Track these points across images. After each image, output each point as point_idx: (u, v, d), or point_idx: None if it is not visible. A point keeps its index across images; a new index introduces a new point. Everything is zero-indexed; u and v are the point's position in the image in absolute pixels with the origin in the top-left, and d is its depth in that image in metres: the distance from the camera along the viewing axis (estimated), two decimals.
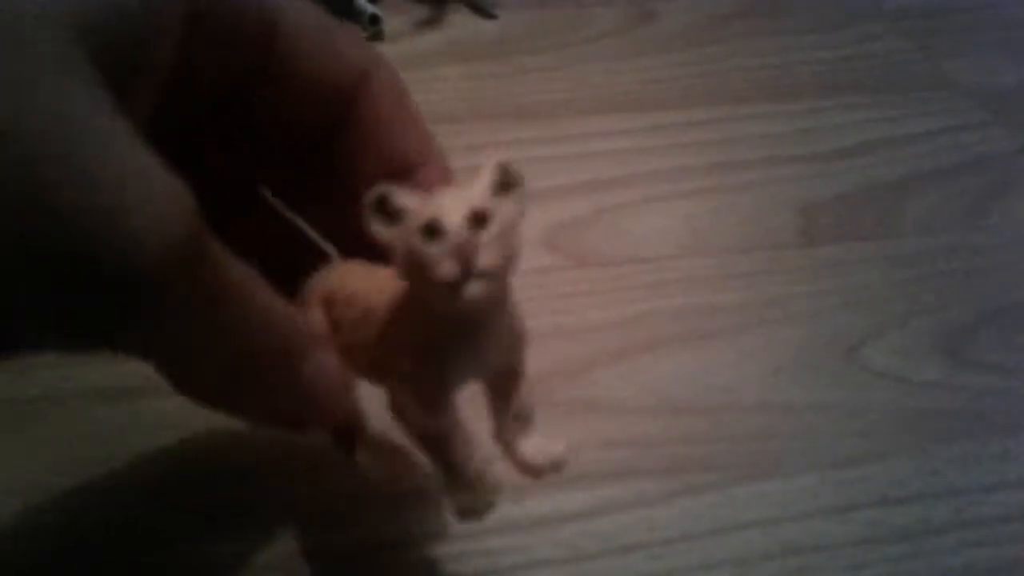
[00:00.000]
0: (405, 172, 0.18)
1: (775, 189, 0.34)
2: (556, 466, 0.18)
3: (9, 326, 0.13)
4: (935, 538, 0.23)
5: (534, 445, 0.18)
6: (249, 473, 0.24)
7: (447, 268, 0.14)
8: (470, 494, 0.18)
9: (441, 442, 0.17)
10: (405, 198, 0.15)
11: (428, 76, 0.39)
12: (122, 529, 0.22)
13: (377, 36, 0.42)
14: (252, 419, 0.18)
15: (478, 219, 0.15)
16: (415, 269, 0.15)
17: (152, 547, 0.22)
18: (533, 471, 0.18)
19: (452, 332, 0.16)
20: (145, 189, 0.13)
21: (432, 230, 0.14)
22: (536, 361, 0.22)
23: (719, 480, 0.24)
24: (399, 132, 0.18)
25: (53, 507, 0.23)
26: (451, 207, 0.15)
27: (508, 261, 0.15)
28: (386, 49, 0.41)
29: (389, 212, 0.15)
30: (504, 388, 0.18)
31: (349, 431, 0.19)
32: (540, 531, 0.23)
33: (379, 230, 0.15)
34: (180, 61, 0.15)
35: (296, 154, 0.20)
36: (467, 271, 0.14)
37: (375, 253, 0.16)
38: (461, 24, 0.43)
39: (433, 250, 0.14)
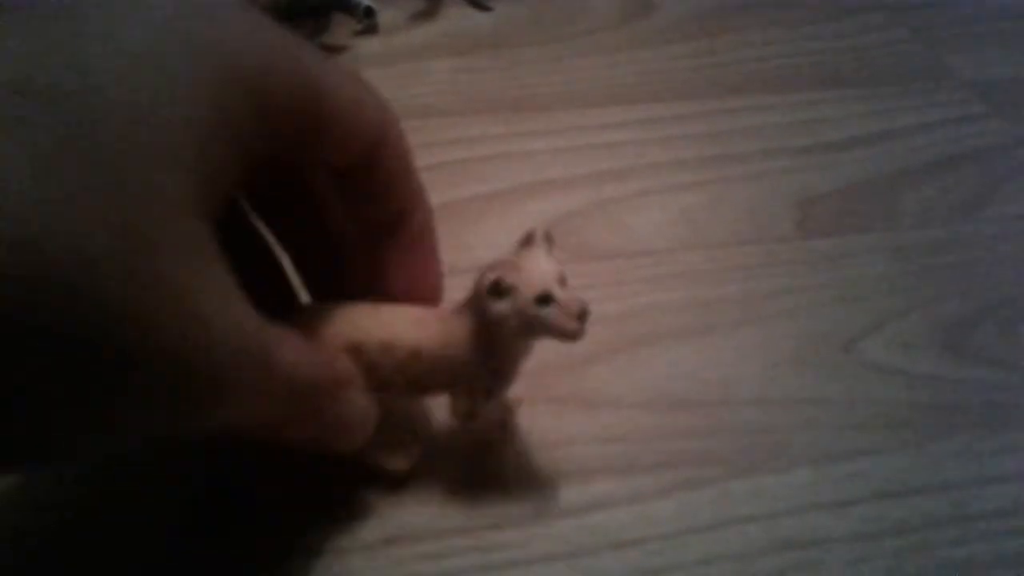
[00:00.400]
0: (401, 216, 0.22)
1: (773, 181, 0.33)
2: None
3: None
4: (934, 532, 0.23)
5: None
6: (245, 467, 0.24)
7: (576, 326, 0.20)
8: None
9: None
10: (510, 277, 0.20)
11: (423, 69, 0.39)
12: (117, 519, 0.22)
13: (371, 29, 0.41)
14: (288, 445, 0.20)
15: (562, 282, 0.20)
16: (530, 329, 0.20)
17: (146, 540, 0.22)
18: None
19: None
20: (245, 350, 0.16)
21: (546, 299, 0.20)
22: (533, 355, 0.22)
23: (717, 475, 0.24)
24: (401, 184, 0.21)
25: (51, 499, 0.23)
26: (550, 279, 0.20)
27: None
28: (380, 42, 0.41)
29: (499, 291, 0.20)
30: None
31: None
32: (536, 526, 0.22)
33: (494, 306, 0.20)
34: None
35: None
36: (584, 320, 0.20)
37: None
38: (456, 16, 0.42)
39: (551, 312, 0.20)
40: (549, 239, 0.21)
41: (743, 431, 0.25)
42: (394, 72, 0.39)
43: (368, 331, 0.21)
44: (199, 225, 0.15)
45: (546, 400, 0.26)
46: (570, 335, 0.20)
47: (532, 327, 0.20)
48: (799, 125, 0.36)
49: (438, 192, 0.33)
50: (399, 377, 0.21)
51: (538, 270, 0.20)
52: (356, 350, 0.21)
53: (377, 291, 0.22)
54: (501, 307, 0.20)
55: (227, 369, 0.16)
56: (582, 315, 0.20)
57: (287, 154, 0.19)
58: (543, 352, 0.27)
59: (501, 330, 0.20)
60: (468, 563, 0.22)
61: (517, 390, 0.23)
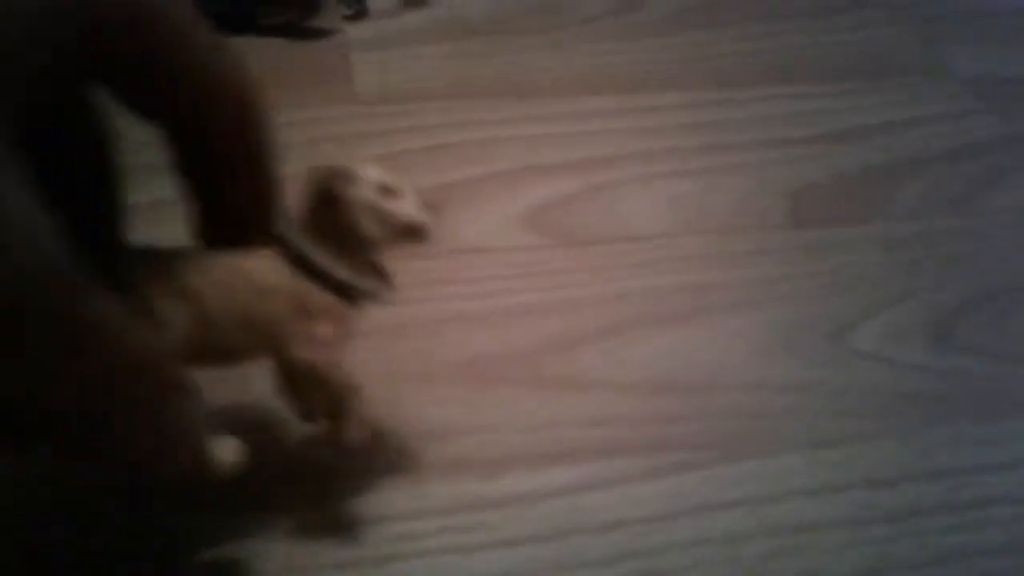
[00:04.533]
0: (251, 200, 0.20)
1: (766, 171, 0.33)
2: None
3: None
4: (923, 520, 0.22)
5: None
6: None
7: (422, 216, 0.19)
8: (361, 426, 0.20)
9: (352, 390, 0.20)
10: (355, 167, 0.19)
11: (413, 54, 0.39)
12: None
13: (361, 14, 0.41)
14: (110, 461, 0.18)
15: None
16: (378, 219, 0.19)
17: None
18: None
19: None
20: (15, 230, 0.13)
21: (388, 190, 0.19)
22: (522, 338, 0.21)
23: (704, 459, 0.23)
24: (253, 166, 0.19)
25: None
26: (389, 175, 0.19)
27: None
28: (371, 27, 0.41)
29: (342, 175, 0.19)
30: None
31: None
32: (522, 508, 0.22)
33: (340, 187, 0.19)
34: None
35: None
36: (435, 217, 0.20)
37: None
38: (448, 2, 0.42)
39: (394, 205, 0.19)
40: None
41: (731, 416, 0.25)
42: (386, 57, 0.39)
43: (164, 247, 0.19)
44: None
45: (532, 382, 0.25)
46: (418, 225, 0.19)
47: (380, 218, 0.19)
48: (793, 117, 0.36)
49: (430, 175, 0.33)
50: (225, 311, 0.18)
51: (375, 169, 0.19)
52: (169, 272, 0.18)
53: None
54: (346, 191, 0.19)
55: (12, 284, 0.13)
56: (434, 207, 0.19)
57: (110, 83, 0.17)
58: (531, 335, 0.27)
59: (346, 222, 0.19)
60: (449, 544, 0.21)
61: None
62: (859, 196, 0.32)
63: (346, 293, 0.19)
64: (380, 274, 0.20)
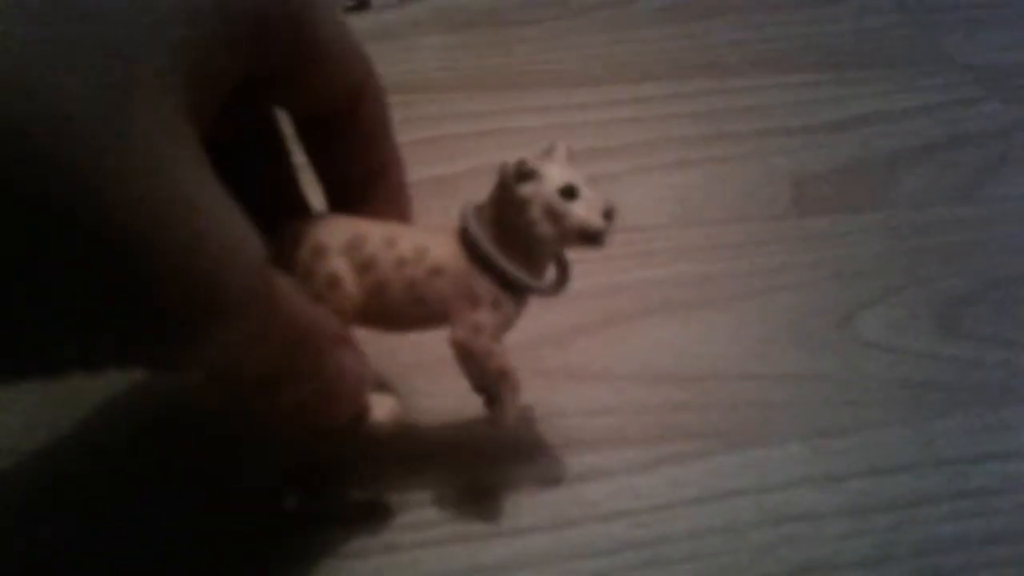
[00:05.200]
0: (374, 175, 0.21)
1: (768, 161, 0.33)
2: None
3: (98, 354, 0.14)
4: (926, 508, 0.22)
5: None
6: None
7: (599, 220, 0.19)
8: (513, 414, 0.20)
9: (505, 360, 0.20)
10: (537, 162, 0.19)
11: (415, 45, 0.39)
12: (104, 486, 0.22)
13: (363, 5, 0.41)
14: (279, 415, 0.18)
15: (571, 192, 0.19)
16: (553, 219, 0.19)
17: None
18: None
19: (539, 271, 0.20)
20: (238, 251, 0.14)
21: (570, 192, 0.19)
22: (523, 329, 0.21)
23: (706, 448, 0.23)
24: (380, 142, 0.20)
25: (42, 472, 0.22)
26: (574, 176, 0.19)
27: None
28: (373, 19, 0.40)
29: (524, 174, 0.19)
30: None
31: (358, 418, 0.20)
32: (523, 497, 0.22)
33: (520, 187, 0.19)
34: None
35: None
36: (610, 221, 0.19)
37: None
38: None
39: (574, 206, 0.19)
40: (571, 154, 0.20)
41: (734, 405, 0.24)
42: (387, 48, 0.38)
43: (372, 227, 0.20)
44: (187, 124, 0.14)
45: (534, 372, 0.25)
46: (594, 231, 0.19)
47: (556, 219, 0.19)
48: (796, 105, 0.36)
49: (430, 166, 0.33)
50: (397, 280, 0.19)
51: (562, 166, 0.19)
52: (357, 242, 0.19)
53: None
54: (526, 190, 0.19)
55: (223, 269, 0.14)
56: (608, 213, 0.19)
57: (270, 86, 0.18)
58: (531, 326, 0.26)
59: (523, 220, 0.19)
60: (451, 534, 0.21)
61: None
62: (862, 185, 0.32)
63: (511, 286, 0.19)
64: (560, 267, 0.21)
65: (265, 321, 0.16)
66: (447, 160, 0.33)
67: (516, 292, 0.20)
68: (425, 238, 0.20)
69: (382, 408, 0.19)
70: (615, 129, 0.34)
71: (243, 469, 0.23)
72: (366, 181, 0.21)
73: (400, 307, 0.19)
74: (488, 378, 0.20)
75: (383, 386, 0.21)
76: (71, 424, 0.23)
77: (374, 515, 0.22)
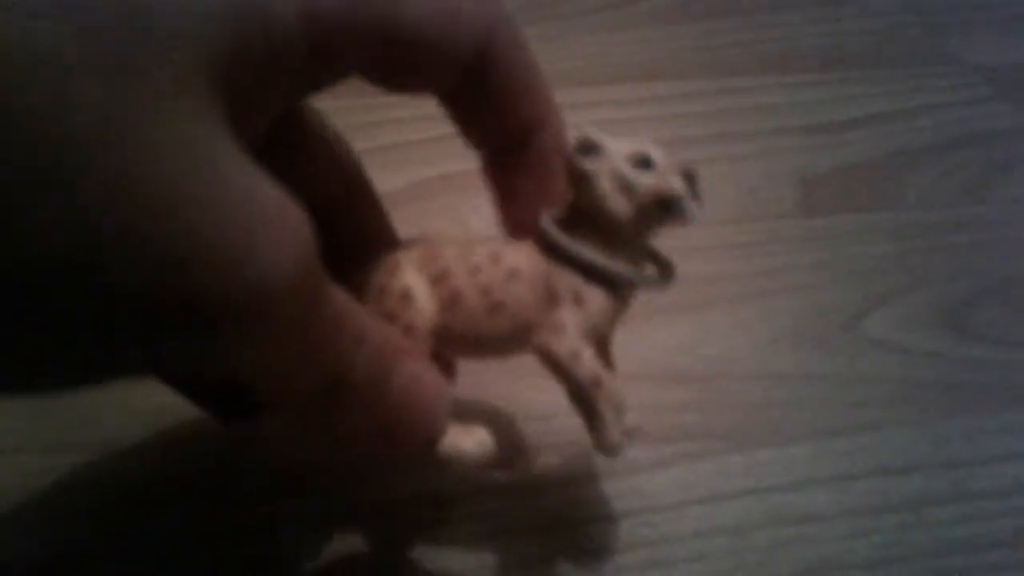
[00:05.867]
0: (524, 134, 0.18)
1: (775, 160, 0.33)
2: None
3: (125, 357, 0.13)
4: (934, 510, 0.22)
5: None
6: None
7: (678, 184, 0.17)
8: (616, 432, 0.18)
9: (595, 368, 0.17)
10: (600, 137, 0.17)
11: None
12: (111, 495, 0.22)
13: None
14: (343, 439, 0.17)
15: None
16: (626, 191, 0.17)
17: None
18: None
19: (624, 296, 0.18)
20: (274, 224, 0.13)
21: (643, 161, 0.17)
22: None
23: (713, 448, 0.23)
24: (521, 97, 0.18)
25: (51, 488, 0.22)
26: (643, 145, 0.17)
27: None
28: None
29: (587, 148, 0.17)
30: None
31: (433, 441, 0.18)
32: (528, 497, 0.22)
33: (585, 162, 0.17)
34: (300, 76, 0.15)
35: None
36: (692, 185, 0.17)
37: None
38: None
39: (648, 176, 0.17)
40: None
41: (741, 406, 0.24)
42: None
43: (450, 244, 0.18)
44: (227, 110, 0.13)
45: (538, 373, 0.25)
46: (670, 196, 0.17)
47: (628, 191, 0.17)
48: (802, 105, 0.36)
49: (434, 165, 0.33)
50: (471, 287, 0.17)
51: (627, 139, 0.17)
52: (431, 256, 0.18)
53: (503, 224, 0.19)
54: (590, 164, 0.17)
55: (257, 251, 0.12)
56: (689, 176, 0.17)
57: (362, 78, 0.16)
58: None
59: (593, 197, 0.17)
60: (453, 534, 0.21)
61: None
62: (869, 185, 0.32)
63: (598, 277, 0.17)
64: (655, 258, 0.19)
65: (313, 314, 0.14)
66: (450, 159, 0.33)
67: (604, 283, 0.17)
68: (500, 246, 0.18)
69: (468, 438, 0.17)
70: (618, 129, 0.33)
71: (242, 472, 0.23)
72: (515, 145, 0.18)
73: (478, 319, 0.17)
74: (580, 387, 0.17)
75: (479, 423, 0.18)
76: (74, 427, 0.23)
77: (375, 513, 0.22)
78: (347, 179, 0.20)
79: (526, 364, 0.18)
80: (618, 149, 0.17)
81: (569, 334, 0.17)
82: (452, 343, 0.18)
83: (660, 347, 0.26)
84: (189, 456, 0.23)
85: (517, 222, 0.19)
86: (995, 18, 0.41)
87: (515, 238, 0.19)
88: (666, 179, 0.17)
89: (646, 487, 0.22)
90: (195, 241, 0.12)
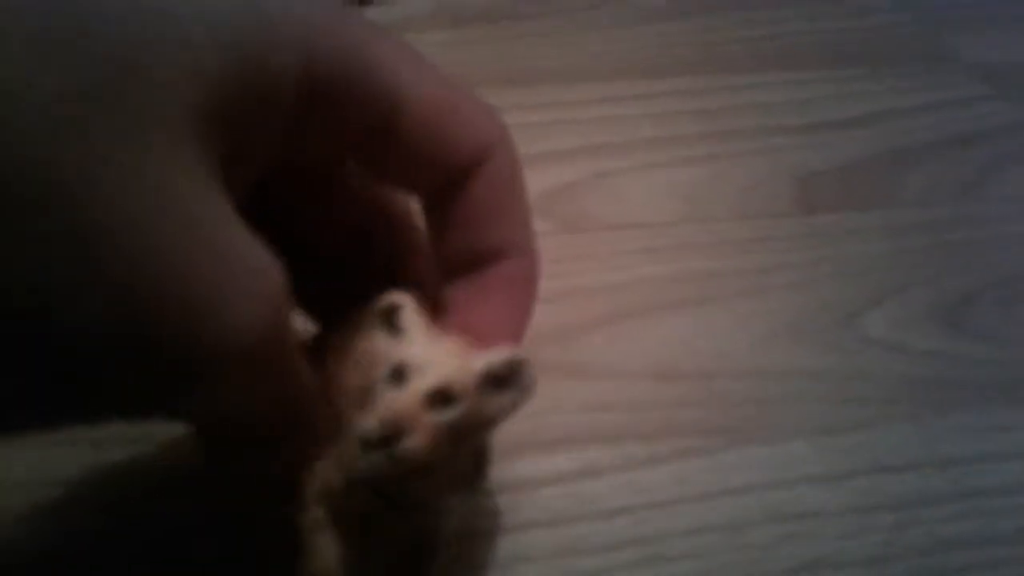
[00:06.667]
0: (489, 257, 0.17)
1: (773, 158, 0.33)
2: None
3: (88, 402, 0.13)
4: (931, 508, 0.22)
5: None
6: None
7: (367, 423, 0.14)
8: None
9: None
10: (413, 321, 0.15)
11: (418, 40, 0.38)
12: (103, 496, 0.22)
13: (364, 2, 0.41)
14: (276, 470, 0.17)
15: (443, 398, 0.14)
16: (365, 394, 0.14)
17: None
18: None
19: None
20: (248, 283, 0.13)
21: (398, 375, 0.14)
22: None
23: (709, 445, 0.23)
24: (495, 223, 0.17)
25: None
26: (431, 367, 0.14)
27: (452, 454, 0.14)
28: (374, 13, 0.40)
29: (394, 324, 0.15)
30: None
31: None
32: (523, 493, 0.22)
33: (375, 336, 0.15)
34: (289, 137, 0.15)
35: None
36: (383, 441, 0.14)
37: None
38: None
39: (387, 391, 0.14)
40: (518, 373, 0.15)
41: (737, 403, 0.24)
42: None
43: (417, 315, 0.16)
44: (209, 160, 0.13)
45: (537, 369, 0.25)
46: (357, 429, 0.14)
47: (364, 392, 0.15)
48: (800, 103, 0.35)
49: None
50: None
51: (433, 350, 0.15)
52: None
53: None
54: (378, 342, 0.15)
55: (228, 301, 0.12)
56: (387, 427, 0.14)
57: (354, 169, 0.17)
58: (534, 322, 0.26)
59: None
60: (453, 528, 0.21)
61: None
62: (866, 183, 0.32)
63: None
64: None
65: (272, 369, 0.14)
66: None
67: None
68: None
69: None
70: (618, 126, 0.34)
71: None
72: (476, 261, 0.17)
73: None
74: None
75: None
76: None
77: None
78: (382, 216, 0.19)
79: None
80: (404, 344, 0.15)
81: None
82: None
83: (655, 343, 0.26)
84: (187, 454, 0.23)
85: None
86: (993, 17, 0.40)
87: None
88: (373, 416, 0.14)
89: (640, 483, 0.22)
90: (161, 293, 0.12)
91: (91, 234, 0.11)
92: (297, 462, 0.17)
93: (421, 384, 0.14)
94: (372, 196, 0.19)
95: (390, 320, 0.15)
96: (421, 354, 0.14)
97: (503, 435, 0.23)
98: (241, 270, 0.13)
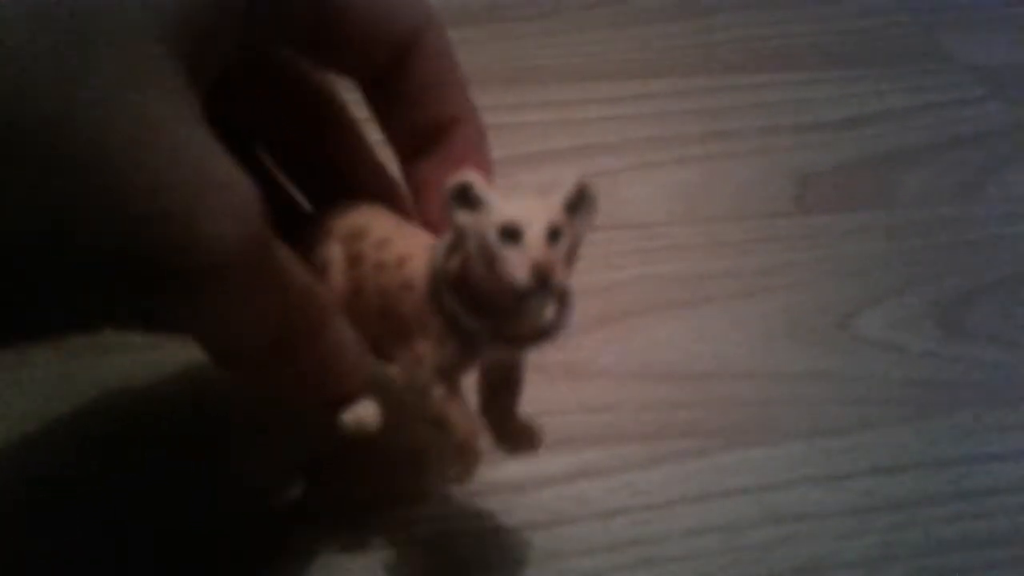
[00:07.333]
0: (440, 130, 0.18)
1: (770, 158, 0.33)
2: (535, 441, 0.19)
3: (77, 312, 0.14)
4: (929, 509, 0.22)
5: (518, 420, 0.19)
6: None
7: (524, 277, 0.15)
8: (458, 460, 0.18)
9: (441, 407, 0.17)
10: (487, 191, 0.16)
11: None
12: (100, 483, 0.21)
13: None
14: (282, 390, 0.18)
15: (553, 234, 0.15)
16: (486, 261, 0.15)
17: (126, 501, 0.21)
18: (514, 447, 0.19)
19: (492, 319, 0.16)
20: (220, 195, 0.14)
21: (511, 232, 0.15)
22: None
23: (706, 446, 0.23)
24: (440, 95, 0.18)
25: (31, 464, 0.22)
26: (532, 215, 0.15)
27: (569, 276, 0.16)
28: None
29: (469, 199, 0.16)
30: (506, 377, 0.18)
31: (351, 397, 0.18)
32: (520, 494, 0.22)
33: (457, 214, 0.16)
34: (243, 35, 0.16)
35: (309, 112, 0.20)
36: (543, 284, 0.15)
37: None
38: None
39: (510, 253, 0.15)
40: (584, 195, 0.16)
41: (735, 404, 0.24)
42: None
43: (381, 222, 0.18)
44: (181, 77, 0.14)
45: (532, 369, 0.25)
46: (510, 284, 0.15)
47: (488, 262, 0.15)
48: (797, 104, 0.35)
49: None
50: (372, 283, 0.18)
51: (522, 202, 0.15)
52: (357, 234, 0.18)
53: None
54: (462, 218, 0.16)
55: (207, 216, 0.13)
56: (542, 272, 0.15)
57: (297, 56, 0.17)
58: None
59: (464, 252, 0.16)
60: (448, 531, 0.21)
61: None
62: (864, 183, 0.32)
63: (457, 329, 0.17)
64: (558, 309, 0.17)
65: (260, 281, 0.15)
66: None
67: (461, 335, 0.16)
68: (415, 246, 0.18)
69: (365, 409, 0.18)
70: (616, 126, 0.34)
71: (240, 468, 0.22)
72: (429, 138, 0.19)
73: (371, 315, 0.18)
74: (429, 420, 0.17)
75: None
76: (59, 421, 0.23)
77: (371, 511, 0.21)
78: (319, 109, 0.20)
79: None
80: (496, 208, 0.15)
81: (425, 368, 0.17)
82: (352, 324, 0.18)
83: (652, 345, 0.26)
84: (177, 447, 0.22)
85: (430, 218, 0.19)
86: (989, 18, 0.41)
87: (430, 232, 0.19)
88: (518, 265, 0.15)
89: (638, 484, 0.22)
90: (142, 206, 0.13)
91: (78, 160, 0.12)
92: (318, 373, 0.17)
93: (537, 229, 0.15)
94: (315, 87, 0.20)
95: (466, 197, 0.16)
96: (518, 209, 0.15)
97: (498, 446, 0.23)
98: (215, 184, 0.14)
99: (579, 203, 0.16)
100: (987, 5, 0.41)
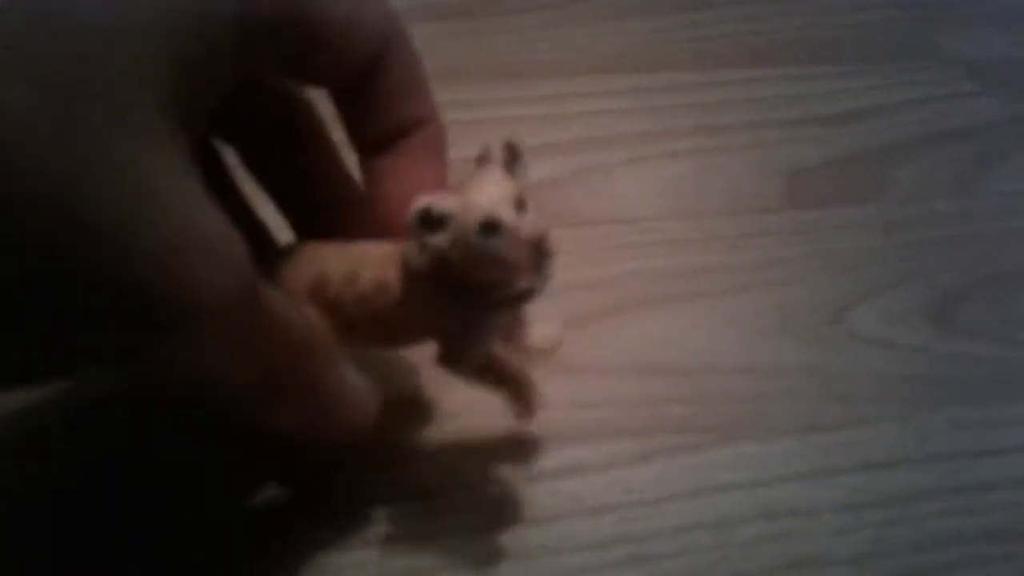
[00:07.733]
0: (402, 132, 0.19)
1: (762, 153, 0.33)
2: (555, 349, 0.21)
3: (62, 364, 0.14)
4: (920, 504, 0.22)
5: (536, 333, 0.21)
6: None
7: (527, 259, 0.16)
8: (526, 394, 0.20)
9: (492, 367, 0.19)
10: (445, 204, 0.16)
11: None
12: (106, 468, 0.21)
13: None
14: (286, 432, 0.18)
15: (520, 204, 0.16)
16: (481, 263, 0.16)
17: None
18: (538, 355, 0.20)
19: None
20: (209, 249, 0.14)
21: (490, 227, 0.16)
22: None
23: (697, 442, 0.23)
24: (406, 100, 0.19)
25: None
26: (498, 201, 0.16)
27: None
28: None
29: (432, 220, 0.16)
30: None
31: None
32: (508, 491, 0.22)
33: (429, 239, 0.16)
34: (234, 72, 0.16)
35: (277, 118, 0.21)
36: (544, 252, 0.16)
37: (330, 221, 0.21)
38: None
39: (498, 243, 0.15)
40: (512, 151, 0.17)
41: (726, 399, 0.24)
42: None
43: (332, 266, 0.19)
44: (171, 125, 0.14)
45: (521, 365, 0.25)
46: (513, 268, 0.16)
47: (480, 262, 0.16)
48: (789, 98, 0.35)
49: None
50: (362, 316, 0.18)
51: (484, 192, 0.16)
52: (321, 283, 0.18)
53: (371, 219, 0.20)
54: (437, 241, 0.16)
55: (192, 267, 0.14)
56: (539, 241, 0.16)
57: (272, 76, 0.18)
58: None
59: (448, 269, 0.17)
60: (438, 528, 0.21)
61: None
62: (855, 178, 0.32)
63: (468, 303, 0.18)
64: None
65: (250, 326, 0.15)
66: None
67: (475, 307, 0.18)
68: (379, 266, 0.18)
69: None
70: (607, 120, 0.34)
71: (240, 467, 0.22)
72: (392, 137, 0.19)
73: (370, 338, 0.19)
74: (474, 380, 0.19)
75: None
76: (58, 420, 0.22)
77: (364, 506, 0.21)
78: (292, 118, 0.21)
79: None
80: (463, 213, 0.16)
81: (464, 348, 0.18)
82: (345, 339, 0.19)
83: (642, 340, 0.26)
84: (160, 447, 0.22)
85: (382, 207, 0.20)
86: (980, 13, 0.40)
87: (387, 235, 0.19)
88: (514, 248, 0.16)
89: (628, 481, 0.22)
90: (132, 263, 0.13)
91: (80, 224, 0.13)
92: (321, 417, 0.18)
93: (510, 211, 0.16)
94: (286, 96, 0.21)
95: (429, 219, 0.16)
96: (485, 204, 0.16)
97: (492, 434, 0.23)
98: (205, 239, 0.14)
99: (513, 160, 0.17)
100: (979, 1, 0.41)
